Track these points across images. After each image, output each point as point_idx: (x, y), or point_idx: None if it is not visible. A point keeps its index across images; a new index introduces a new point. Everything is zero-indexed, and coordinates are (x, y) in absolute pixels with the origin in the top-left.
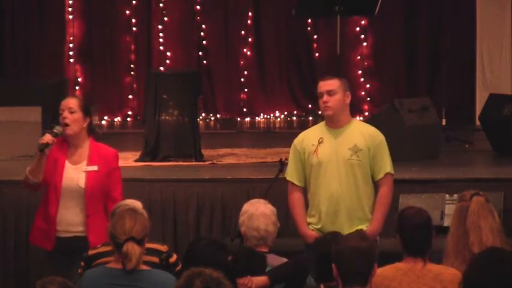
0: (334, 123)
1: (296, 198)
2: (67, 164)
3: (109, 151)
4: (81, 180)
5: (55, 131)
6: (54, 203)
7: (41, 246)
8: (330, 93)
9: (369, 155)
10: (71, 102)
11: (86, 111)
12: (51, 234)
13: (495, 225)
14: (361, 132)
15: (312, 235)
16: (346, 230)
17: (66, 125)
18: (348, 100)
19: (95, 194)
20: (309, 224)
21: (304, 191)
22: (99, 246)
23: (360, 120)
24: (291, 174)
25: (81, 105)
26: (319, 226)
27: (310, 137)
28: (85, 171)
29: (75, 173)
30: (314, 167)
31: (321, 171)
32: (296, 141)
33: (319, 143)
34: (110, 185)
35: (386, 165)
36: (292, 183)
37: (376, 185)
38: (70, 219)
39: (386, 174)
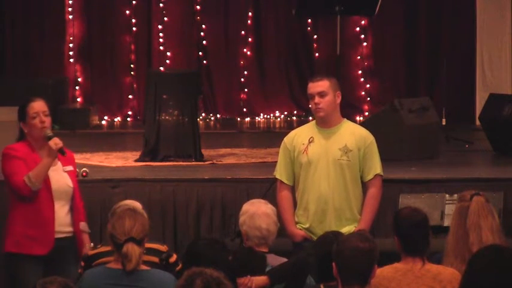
0: (326, 123)
1: (284, 196)
2: None
3: (70, 152)
4: (68, 181)
5: (49, 134)
6: (49, 205)
7: (27, 253)
8: (321, 94)
9: (359, 156)
10: (44, 105)
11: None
12: (49, 238)
13: (495, 225)
14: (352, 132)
15: (300, 234)
16: None
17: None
18: (339, 100)
19: (78, 193)
20: (296, 223)
21: (293, 189)
22: (99, 246)
23: (360, 120)
24: (280, 172)
25: (49, 107)
26: (307, 225)
27: (301, 135)
28: (66, 172)
29: (57, 175)
30: (303, 166)
31: (311, 171)
32: (286, 139)
33: (310, 142)
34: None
35: (376, 166)
36: (281, 182)
37: (365, 186)
38: (61, 220)
39: (376, 175)
